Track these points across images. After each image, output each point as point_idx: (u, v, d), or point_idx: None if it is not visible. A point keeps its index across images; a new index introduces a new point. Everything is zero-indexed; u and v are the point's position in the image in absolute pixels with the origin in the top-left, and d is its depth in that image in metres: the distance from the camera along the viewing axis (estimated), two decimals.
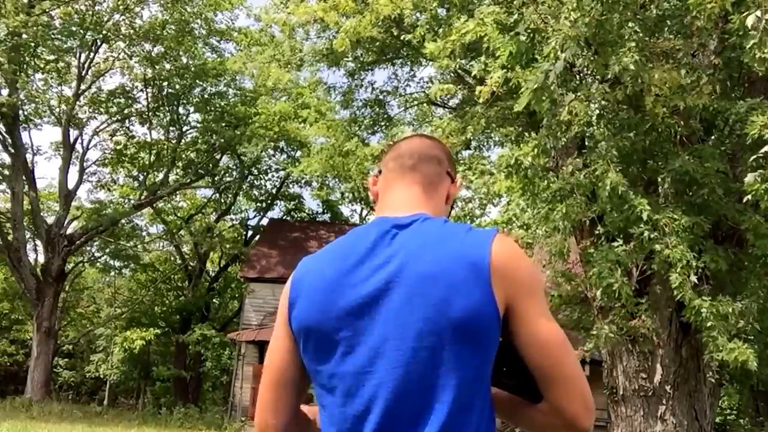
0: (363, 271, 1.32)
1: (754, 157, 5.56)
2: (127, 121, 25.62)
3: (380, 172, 1.57)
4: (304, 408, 1.47)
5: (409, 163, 1.51)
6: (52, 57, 22.49)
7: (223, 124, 24.70)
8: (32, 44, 21.32)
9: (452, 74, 11.46)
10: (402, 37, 11.70)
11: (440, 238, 1.32)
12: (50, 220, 24.08)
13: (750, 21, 4.98)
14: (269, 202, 29.90)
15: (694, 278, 6.10)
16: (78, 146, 24.64)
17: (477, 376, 1.25)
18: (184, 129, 25.82)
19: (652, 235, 6.17)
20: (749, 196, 5.55)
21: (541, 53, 6.19)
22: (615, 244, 6.52)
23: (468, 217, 25.83)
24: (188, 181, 26.43)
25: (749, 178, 5.45)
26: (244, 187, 28.77)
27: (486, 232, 1.34)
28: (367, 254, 1.34)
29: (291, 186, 29.75)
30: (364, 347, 1.27)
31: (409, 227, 1.36)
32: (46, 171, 75.11)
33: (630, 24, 6.06)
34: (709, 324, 5.93)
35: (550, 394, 1.31)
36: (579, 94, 6.33)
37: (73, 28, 21.66)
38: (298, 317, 1.36)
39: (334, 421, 1.30)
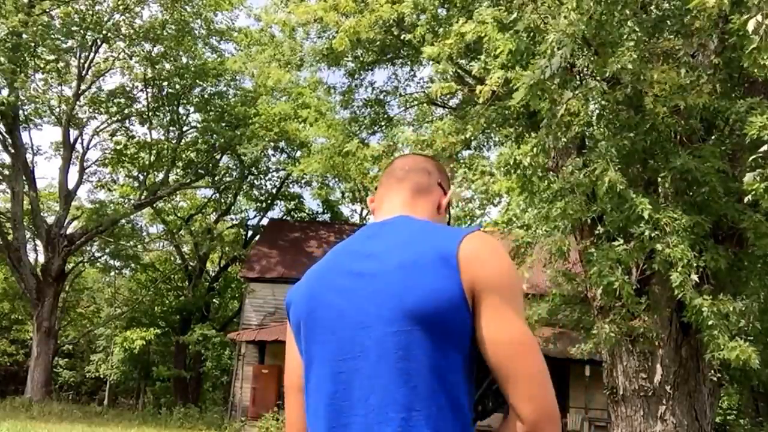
0: (343, 266, 1.41)
1: (753, 157, 5.55)
2: (127, 121, 25.61)
3: (376, 188, 1.66)
4: None
5: (399, 174, 1.61)
6: (52, 57, 22.47)
7: (223, 124, 24.68)
8: (32, 44, 21.32)
9: (452, 75, 11.45)
10: (402, 37, 11.69)
11: (416, 235, 1.38)
12: (50, 220, 24.07)
13: (751, 26, 4.92)
14: (269, 202, 29.89)
15: (694, 277, 6.10)
16: (78, 146, 24.66)
17: (444, 365, 1.26)
18: (184, 129, 25.82)
19: (653, 234, 6.16)
20: (749, 196, 5.54)
21: (540, 51, 6.19)
22: (615, 243, 6.51)
23: (468, 217, 25.80)
24: (188, 181, 26.42)
25: (748, 177, 5.45)
26: (244, 187, 28.76)
27: (462, 229, 1.38)
28: (349, 253, 1.44)
29: (291, 186, 29.76)
30: (340, 334, 1.34)
31: (389, 225, 1.46)
32: (46, 171, 75.13)
33: (629, 24, 6.05)
34: (710, 323, 5.93)
35: (508, 396, 1.27)
36: (577, 92, 6.32)
37: (73, 28, 21.65)
38: (293, 315, 1.46)
39: (312, 408, 1.37)
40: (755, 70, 5.33)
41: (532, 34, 6.68)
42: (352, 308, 1.34)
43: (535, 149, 6.71)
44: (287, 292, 1.53)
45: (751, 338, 6.76)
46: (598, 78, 6.81)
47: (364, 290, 1.34)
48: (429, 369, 1.25)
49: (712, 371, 7.38)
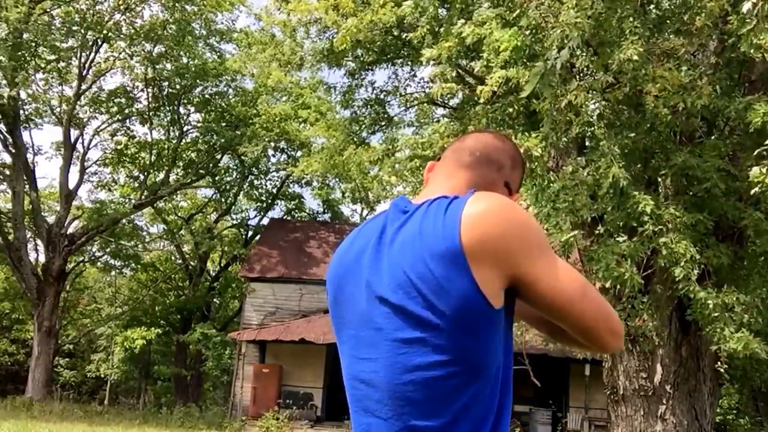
0: (364, 262, 1.34)
1: (758, 150, 5.57)
2: (127, 120, 25.64)
3: (439, 159, 1.49)
4: None
5: (466, 160, 1.42)
6: (52, 57, 22.49)
7: (224, 124, 24.70)
8: (33, 44, 21.32)
9: (452, 77, 11.45)
10: (403, 37, 11.68)
11: (422, 232, 1.25)
12: (51, 219, 24.09)
13: (746, 7, 5.03)
14: (269, 201, 29.90)
15: (696, 272, 6.11)
16: (79, 146, 24.70)
17: (458, 361, 1.23)
18: (185, 129, 25.84)
19: (656, 229, 6.16)
20: (756, 189, 5.53)
21: (543, 48, 6.20)
22: (620, 239, 6.51)
23: None
24: (189, 180, 26.44)
25: (754, 170, 5.46)
26: (244, 186, 28.77)
27: (456, 212, 1.23)
28: (371, 245, 1.35)
29: (291, 186, 29.77)
30: (357, 330, 1.33)
31: (411, 216, 1.30)
32: (47, 171, 75.21)
33: (630, 20, 6.07)
34: (716, 314, 5.94)
35: (580, 338, 1.34)
36: (581, 82, 6.33)
37: (74, 28, 21.67)
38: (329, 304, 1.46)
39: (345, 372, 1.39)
40: (752, 52, 5.36)
41: (534, 31, 6.67)
42: (368, 305, 1.38)
43: (542, 141, 6.69)
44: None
45: (754, 333, 6.76)
46: (599, 74, 6.81)
47: (379, 291, 1.34)
48: (431, 365, 1.29)
49: (719, 363, 7.32)
